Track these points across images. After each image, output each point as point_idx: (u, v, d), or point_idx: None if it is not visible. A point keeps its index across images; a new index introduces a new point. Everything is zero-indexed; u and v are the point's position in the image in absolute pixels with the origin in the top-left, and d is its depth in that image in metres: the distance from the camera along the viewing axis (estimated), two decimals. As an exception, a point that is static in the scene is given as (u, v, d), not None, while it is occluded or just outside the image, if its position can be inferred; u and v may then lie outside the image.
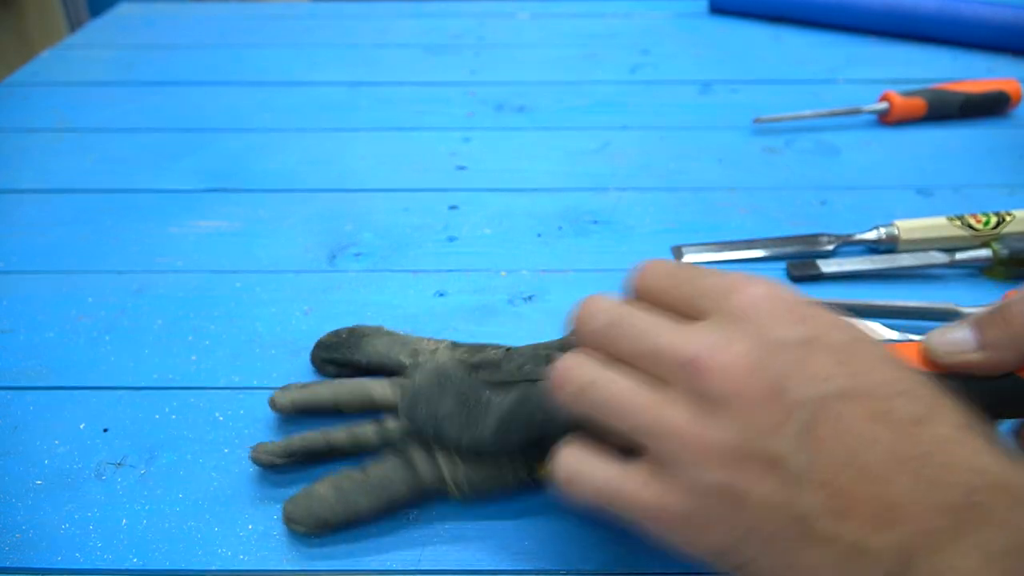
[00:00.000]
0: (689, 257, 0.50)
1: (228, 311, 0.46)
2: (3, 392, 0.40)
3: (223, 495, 0.35)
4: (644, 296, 0.27)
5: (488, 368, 0.34)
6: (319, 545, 0.33)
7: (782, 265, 0.49)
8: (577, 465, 0.26)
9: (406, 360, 0.38)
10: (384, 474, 0.33)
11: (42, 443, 0.37)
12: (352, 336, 0.40)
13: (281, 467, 0.35)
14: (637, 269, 0.28)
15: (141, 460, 0.37)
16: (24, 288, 0.48)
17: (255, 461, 0.35)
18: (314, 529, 0.32)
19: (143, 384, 0.41)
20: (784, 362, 0.22)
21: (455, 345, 0.38)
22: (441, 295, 0.47)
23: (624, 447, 0.26)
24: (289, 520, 0.32)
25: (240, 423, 0.38)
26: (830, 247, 0.50)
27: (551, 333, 0.40)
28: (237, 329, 0.44)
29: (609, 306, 0.27)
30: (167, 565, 0.32)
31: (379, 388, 0.36)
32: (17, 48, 1.28)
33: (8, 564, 0.32)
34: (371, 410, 0.36)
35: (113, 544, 0.33)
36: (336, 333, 0.40)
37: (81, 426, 0.38)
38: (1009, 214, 0.49)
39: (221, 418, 0.39)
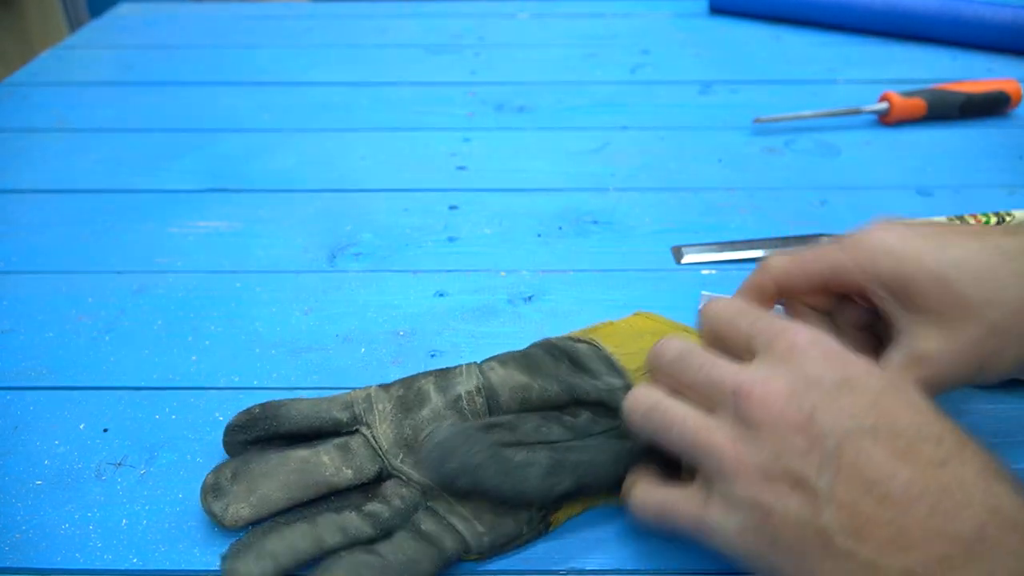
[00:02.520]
0: (689, 257, 0.50)
1: (228, 311, 0.46)
2: (3, 392, 0.40)
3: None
4: (708, 328, 0.32)
5: (500, 430, 0.33)
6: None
7: (782, 265, 0.49)
8: (643, 492, 0.31)
9: (341, 415, 0.35)
10: (405, 556, 0.30)
11: (42, 443, 0.37)
12: (266, 410, 0.35)
13: None
14: (708, 306, 0.33)
15: (141, 460, 0.36)
16: (24, 288, 0.48)
17: None
18: None
19: (143, 384, 0.41)
20: (818, 397, 0.25)
21: (386, 387, 0.36)
22: (441, 295, 0.47)
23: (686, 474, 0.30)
24: None
25: (240, 423, 0.38)
26: (830, 247, 0.50)
27: (551, 333, 0.40)
28: (237, 329, 0.44)
29: (677, 344, 0.31)
30: (167, 565, 0.32)
31: (329, 463, 0.33)
32: (17, 48, 1.28)
33: (8, 564, 0.32)
34: (330, 494, 0.33)
35: (113, 544, 0.33)
36: (247, 412, 0.35)
37: (81, 426, 0.38)
38: (1009, 214, 0.49)
39: (221, 418, 0.38)
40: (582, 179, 0.59)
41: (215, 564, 0.32)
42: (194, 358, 0.43)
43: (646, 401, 0.31)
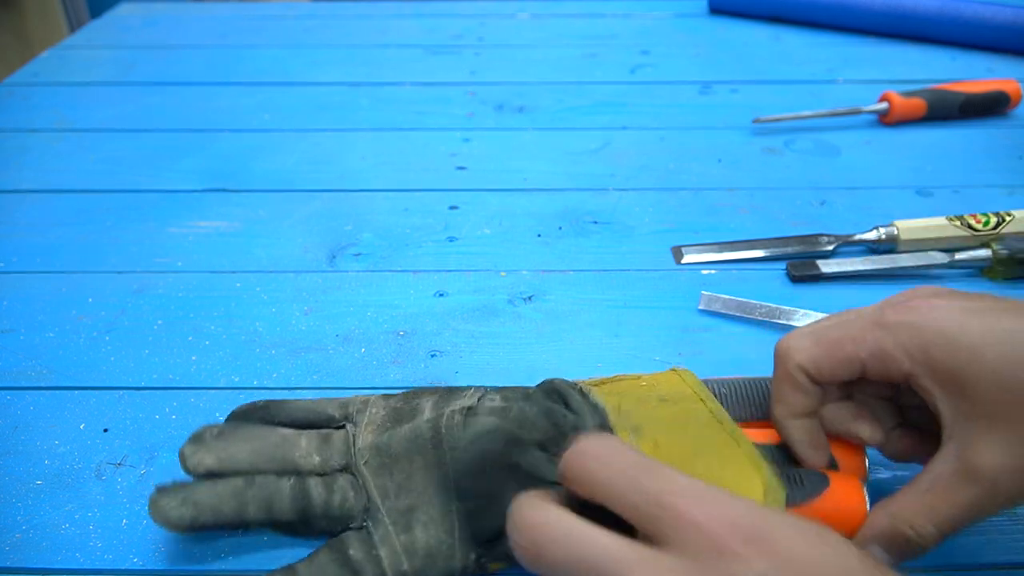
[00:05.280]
0: (689, 257, 0.50)
1: (228, 311, 0.46)
2: (3, 392, 0.40)
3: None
4: (595, 499, 0.26)
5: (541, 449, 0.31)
6: (319, 545, 0.33)
7: (782, 265, 0.49)
8: (541, 510, 0.26)
9: (335, 412, 0.35)
10: None
11: (42, 443, 0.37)
12: (271, 403, 0.36)
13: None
14: (579, 459, 0.26)
15: (141, 460, 0.37)
16: (24, 288, 0.48)
17: (153, 519, 0.30)
18: None
19: (143, 384, 0.41)
20: None
21: (388, 396, 0.36)
22: (441, 295, 0.47)
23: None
24: None
25: (240, 423, 0.38)
26: (830, 247, 0.50)
27: (551, 333, 0.40)
28: (237, 329, 0.44)
29: (565, 534, 0.25)
30: (167, 565, 0.32)
31: (304, 447, 0.33)
32: (17, 48, 1.28)
33: (8, 564, 0.32)
34: (292, 474, 0.33)
35: (113, 544, 0.33)
36: (252, 404, 0.36)
37: (81, 426, 0.38)
38: (1009, 214, 0.49)
39: (221, 418, 0.38)
40: (582, 179, 0.59)
41: (215, 564, 0.32)
42: (194, 358, 0.43)
43: None
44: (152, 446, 0.37)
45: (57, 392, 0.40)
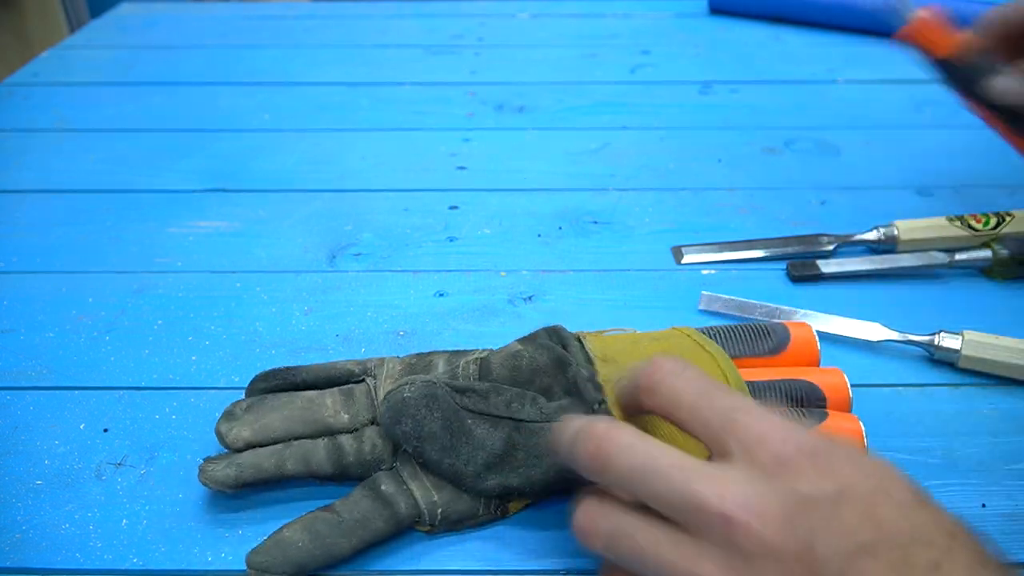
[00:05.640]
0: (689, 257, 0.50)
1: (228, 311, 0.46)
2: (3, 392, 0.40)
3: (223, 495, 0.35)
4: (666, 412, 0.28)
5: (473, 396, 0.33)
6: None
7: (782, 265, 0.49)
8: (597, 514, 0.27)
9: (354, 368, 0.38)
10: (360, 514, 0.32)
11: (42, 443, 0.37)
12: (290, 367, 0.38)
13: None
14: (656, 377, 0.28)
15: (141, 460, 0.37)
16: (24, 288, 0.48)
17: (204, 484, 0.33)
18: None
19: (143, 384, 0.41)
20: (814, 519, 0.23)
21: (403, 357, 0.39)
22: (441, 295, 0.47)
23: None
24: (260, 571, 0.30)
25: (240, 423, 0.38)
26: (830, 247, 0.50)
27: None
28: (237, 329, 0.45)
29: (631, 443, 0.26)
30: (167, 565, 0.32)
31: (330, 406, 0.36)
32: (17, 48, 1.28)
33: (8, 564, 0.32)
34: (325, 434, 0.35)
35: (113, 544, 0.33)
36: (272, 370, 0.38)
37: (81, 426, 0.38)
38: (1009, 214, 0.49)
39: (221, 418, 0.38)
40: (582, 179, 0.59)
41: (215, 564, 0.32)
42: (194, 358, 0.43)
43: (605, 525, 0.26)
44: (152, 446, 0.37)
45: (57, 392, 0.40)
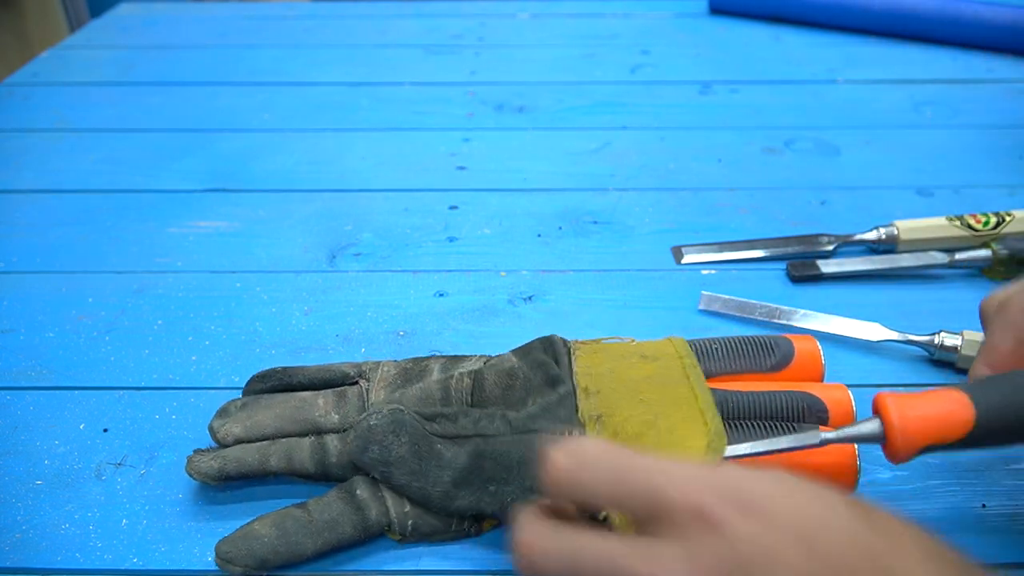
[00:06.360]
0: (689, 257, 0.50)
1: (228, 311, 0.46)
2: (3, 392, 0.40)
3: (223, 495, 0.35)
4: (584, 504, 0.26)
5: (443, 421, 0.34)
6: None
7: (782, 265, 0.49)
8: (540, 534, 0.26)
9: (349, 370, 0.38)
10: (330, 516, 0.32)
11: (42, 443, 0.37)
12: (287, 368, 0.39)
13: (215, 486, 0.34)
14: (553, 472, 0.26)
15: (141, 460, 0.37)
16: (24, 288, 0.48)
17: (189, 475, 0.33)
18: (253, 570, 0.31)
19: (143, 384, 0.41)
20: (755, 572, 0.22)
21: (399, 360, 0.39)
22: (441, 295, 0.47)
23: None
24: (225, 561, 0.31)
25: (240, 423, 0.38)
26: (830, 247, 0.50)
27: (551, 332, 0.40)
28: (237, 329, 0.44)
29: (557, 547, 0.25)
30: (167, 565, 0.32)
31: (322, 406, 0.36)
32: (17, 48, 1.28)
33: (8, 564, 0.32)
34: (314, 434, 0.35)
35: (113, 544, 0.33)
36: (271, 369, 0.39)
37: (81, 426, 0.38)
38: (1009, 214, 0.49)
39: (221, 418, 0.38)
40: (582, 179, 0.59)
41: (215, 564, 0.32)
42: (194, 358, 0.43)
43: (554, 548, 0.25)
44: (152, 446, 0.37)
45: (57, 392, 0.40)
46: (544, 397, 0.35)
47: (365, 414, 0.34)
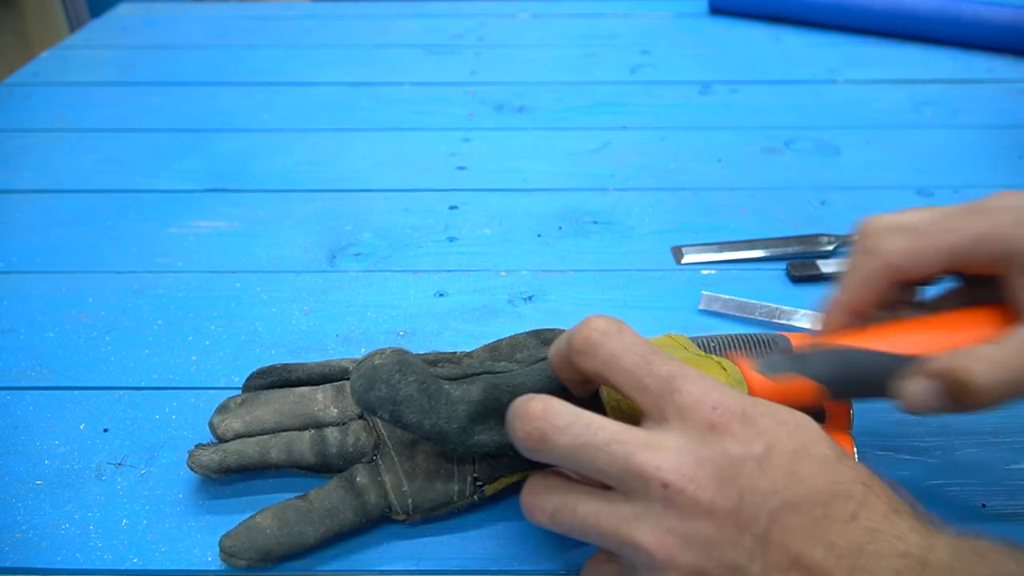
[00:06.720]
0: (689, 257, 0.50)
1: (228, 311, 0.46)
2: (3, 392, 0.40)
3: (223, 495, 0.35)
4: (602, 376, 0.28)
5: (446, 365, 0.34)
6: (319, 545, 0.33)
7: (782, 265, 0.49)
8: (541, 494, 0.28)
9: (348, 365, 0.38)
10: (330, 503, 0.32)
11: (42, 443, 0.37)
12: (287, 364, 0.39)
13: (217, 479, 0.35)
14: (592, 343, 0.29)
15: (141, 460, 0.37)
16: (24, 288, 0.48)
17: (191, 469, 0.34)
18: (257, 563, 0.31)
19: (143, 384, 0.41)
20: (742, 480, 0.25)
21: None
22: (441, 295, 0.47)
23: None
24: (229, 555, 0.31)
25: (240, 423, 0.38)
26: (830, 247, 0.50)
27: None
28: (237, 329, 0.44)
29: (569, 421, 0.27)
30: (167, 565, 0.32)
31: (321, 400, 0.36)
32: (17, 48, 1.28)
33: (8, 564, 0.32)
34: (314, 427, 0.35)
35: (113, 544, 0.33)
36: (270, 366, 0.39)
37: (81, 426, 0.38)
38: (1009, 214, 0.49)
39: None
40: (582, 179, 0.59)
41: (215, 564, 0.32)
42: (194, 358, 0.43)
43: (548, 504, 0.28)
44: (152, 446, 0.37)
45: (57, 392, 0.40)
46: (542, 352, 0.35)
47: (367, 355, 0.33)
